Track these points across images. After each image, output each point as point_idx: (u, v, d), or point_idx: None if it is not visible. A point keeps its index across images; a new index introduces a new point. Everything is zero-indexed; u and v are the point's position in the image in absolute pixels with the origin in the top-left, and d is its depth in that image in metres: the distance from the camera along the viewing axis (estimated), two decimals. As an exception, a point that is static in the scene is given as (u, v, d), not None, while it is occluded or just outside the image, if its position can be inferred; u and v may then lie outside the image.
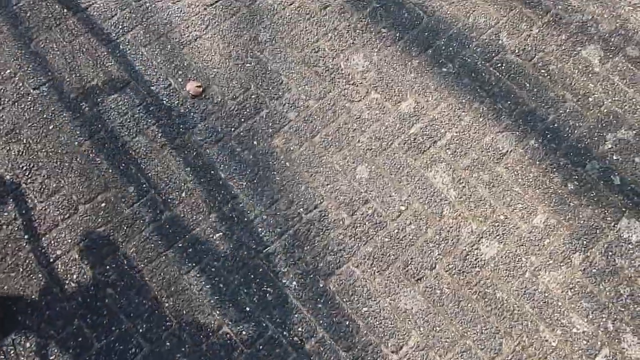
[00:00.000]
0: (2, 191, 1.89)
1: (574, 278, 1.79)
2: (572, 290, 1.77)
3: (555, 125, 2.05)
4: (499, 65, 2.18)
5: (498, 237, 1.86)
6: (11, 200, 1.87)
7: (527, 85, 2.13)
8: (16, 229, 1.84)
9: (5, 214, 1.86)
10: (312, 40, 2.23)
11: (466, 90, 2.13)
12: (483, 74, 2.16)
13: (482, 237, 1.86)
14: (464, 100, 2.11)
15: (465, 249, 1.84)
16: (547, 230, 1.87)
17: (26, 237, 1.83)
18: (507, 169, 1.97)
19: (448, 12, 2.30)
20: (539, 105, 2.09)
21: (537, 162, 1.99)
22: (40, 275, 1.77)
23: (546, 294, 1.77)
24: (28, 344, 1.67)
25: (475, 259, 1.82)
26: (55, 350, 1.66)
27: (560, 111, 2.08)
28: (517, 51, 2.21)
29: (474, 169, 1.97)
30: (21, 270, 1.77)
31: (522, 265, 1.81)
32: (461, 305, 1.76)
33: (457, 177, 1.96)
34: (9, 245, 1.81)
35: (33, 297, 1.73)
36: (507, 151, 2.01)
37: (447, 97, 2.11)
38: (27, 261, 1.79)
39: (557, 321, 1.74)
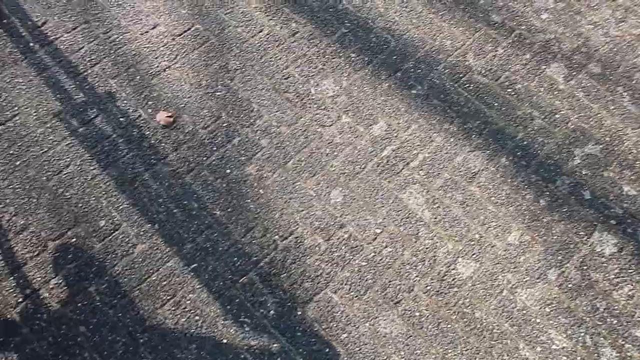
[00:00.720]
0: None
1: (550, 294, 1.80)
2: (550, 306, 1.78)
3: (525, 142, 2.09)
4: (467, 85, 2.22)
5: (474, 256, 1.86)
6: None
7: (495, 104, 2.17)
8: (-17, 269, 1.78)
9: (-29, 254, 1.81)
10: (281, 67, 2.24)
11: (436, 111, 2.15)
12: (452, 95, 2.19)
13: (458, 257, 1.86)
14: (434, 121, 2.13)
15: (442, 270, 1.84)
16: (522, 247, 1.88)
17: (-7, 277, 1.77)
18: (480, 187, 1.99)
19: (415, 36, 2.34)
20: (508, 123, 2.13)
21: (509, 180, 2.01)
22: (8, 316, 1.71)
23: (524, 312, 1.78)
24: (-4, 390, 1.61)
25: (453, 279, 1.82)
26: (26, 395, 1.60)
27: (529, 129, 2.11)
28: (483, 71, 2.25)
29: (447, 189, 1.98)
30: (-12, 312, 1.72)
31: (499, 283, 1.82)
32: (441, 326, 1.75)
33: (431, 197, 1.97)
34: (-25, 286, 1.75)
35: (1, 339, 1.67)
36: (479, 170, 2.03)
37: (417, 118, 2.13)
38: (-5, 302, 1.73)
39: (537, 338, 1.74)
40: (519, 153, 2.06)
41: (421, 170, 2.02)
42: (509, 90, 2.20)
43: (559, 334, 1.75)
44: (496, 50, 2.30)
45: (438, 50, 2.30)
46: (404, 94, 2.19)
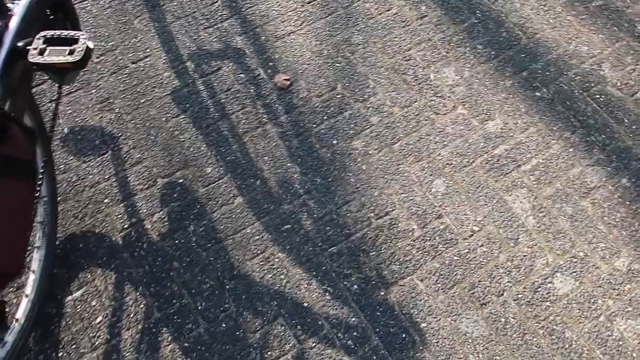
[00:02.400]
0: (103, 141, 1.98)
1: (654, 330, 1.67)
2: (651, 342, 1.65)
3: (652, 166, 1.93)
4: (597, 96, 2.08)
5: (574, 274, 1.76)
6: (110, 152, 1.96)
7: (626, 121, 2.02)
8: (98, 192, 1.92)
9: (90, 176, 1.95)
10: (404, 48, 2.20)
11: (558, 118, 2.04)
12: (579, 104, 2.07)
13: (557, 271, 1.77)
14: (554, 128, 2.02)
15: (537, 281, 1.75)
16: (629, 275, 1.75)
17: (106, 201, 1.90)
18: (594, 204, 1.87)
19: (549, 36, 2.22)
20: (636, 143, 1.98)
21: (627, 203, 1.87)
22: (113, 239, 1.83)
23: (620, 342, 1.66)
24: (94, 302, 1.73)
25: (547, 293, 1.74)
26: (118, 313, 1.71)
27: (659, 152, 1.96)
28: (618, 84, 2.10)
29: (557, 200, 1.88)
30: (97, 231, 1.85)
31: (598, 307, 1.71)
32: (526, 338, 1.67)
33: (538, 205, 1.88)
34: (90, 206, 1.89)
35: (104, 258, 1.80)
36: (596, 186, 1.90)
37: (537, 122, 2.03)
38: (104, 224, 1.86)
39: (629, 373, 1.62)
40: (643, 176, 1.91)
41: (532, 175, 1.93)
42: (644, 108, 2.04)
43: (655, 374, 1.62)
44: (637, 64, 2.14)
45: (572, 55, 2.17)
46: (527, 95, 2.09)
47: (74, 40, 1.32)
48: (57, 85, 1.83)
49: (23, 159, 1.32)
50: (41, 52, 1.29)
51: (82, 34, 1.33)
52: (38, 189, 1.50)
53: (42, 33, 1.33)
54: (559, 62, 2.16)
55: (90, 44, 1.33)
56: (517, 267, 1.78)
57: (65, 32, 1.33)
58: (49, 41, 1.31)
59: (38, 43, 1.30)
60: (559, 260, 1.78)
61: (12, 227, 1.28)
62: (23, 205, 1.35)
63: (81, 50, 1.30)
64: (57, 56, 1.29)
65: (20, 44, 1.34)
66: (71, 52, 1.30)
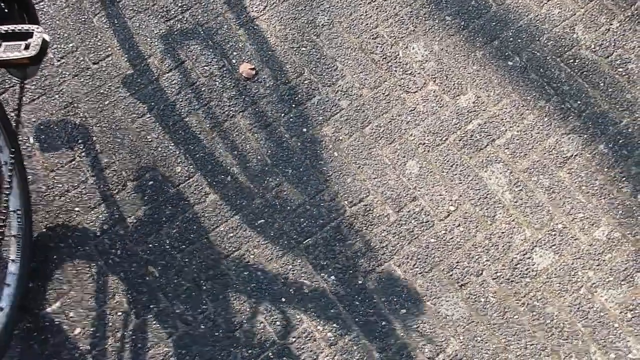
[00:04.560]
0: (70, 147, 1.95)
1: (635, 299, 1.65)
2: (632, 312, 1.64)
3: (629, 130, 1.89)
4: (571, 61, 2.02)
5: (554, 248, 1.74)
6: (77, 158, 1.91)
7: (601, 84, 1.97)
8: (68, 201, 1.89)
9: (60, 185, 1.91)
10: (371, 26, 2.14)
11: (532, 87, 1.99)
12: (552, 70, 2.01)
13: (536, 246, 1.74)
14: (528, 97, 1.97)
15: (516, 257, 1.73)
16: (609, 244, 1.73)
17: (77, 209, 1.87)
18: (571, 174, 1.83)
19: (519, 2, 2.15)
20: (613, 107, 1.93)
21: (605, 169, 1.83)
22: (87, 247, 1.81)
23: (602, 314, 1.64)
24: (72, 314, 1.72)
25: (526, 269, 1.71)
26: (96, 323, 1.70)
27: (636, 115, 1.91)
28: (592, 46, 2.03)
29: (533, 172, 1.85)
30: (70, 241, 1.82)
31: (578, 279, 1.69)
32: (506, 316, 1.66)
33: (514, 179, 1.84)
34: (61, 216, 1.86)
35: (79, 268, 1.78)
36: (572, 155, 1.86)
37: (510, 92, 1.98)
38: (76, 233, 1.83)
39: (612, 344, 1.61)
40: (621, 141, 1.87)
41: (507, 149, 1.89)
42: (620, 70, 1.98)
43: (637, 343, 1.61)
44: (611, 24, 2.07)
45: (543, 19, 2.10)
46: (499, 65, 2.04)
47: (29, 35, 1.28)
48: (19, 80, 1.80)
49: None
50: None
51: (37, 28, 1.29)
52: (8, 179, 1.51)
53: None
54: (530, 27, 2.10)
55: (47, 37, 1.30)
56: (495, 245, 1.75)
57: (19, 27, 1.30)
58: (3, 37, 1.28)
59: None
60: (538, 234, 1.76)
61: None
62: None
63: (37, 45, 1.27)
64: (13, 52, 1.26)
65: None
66: (27, 47, 1.27)
